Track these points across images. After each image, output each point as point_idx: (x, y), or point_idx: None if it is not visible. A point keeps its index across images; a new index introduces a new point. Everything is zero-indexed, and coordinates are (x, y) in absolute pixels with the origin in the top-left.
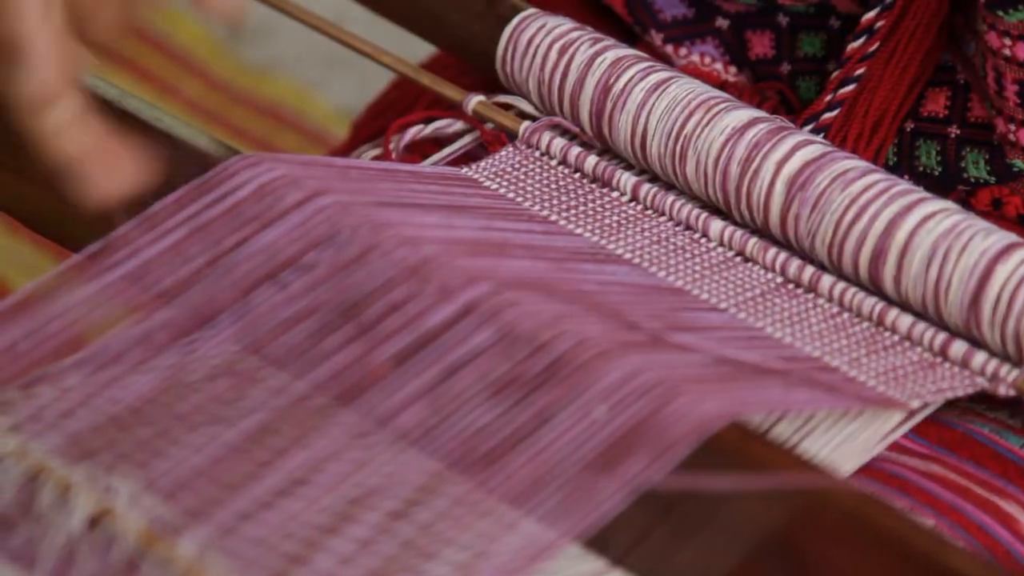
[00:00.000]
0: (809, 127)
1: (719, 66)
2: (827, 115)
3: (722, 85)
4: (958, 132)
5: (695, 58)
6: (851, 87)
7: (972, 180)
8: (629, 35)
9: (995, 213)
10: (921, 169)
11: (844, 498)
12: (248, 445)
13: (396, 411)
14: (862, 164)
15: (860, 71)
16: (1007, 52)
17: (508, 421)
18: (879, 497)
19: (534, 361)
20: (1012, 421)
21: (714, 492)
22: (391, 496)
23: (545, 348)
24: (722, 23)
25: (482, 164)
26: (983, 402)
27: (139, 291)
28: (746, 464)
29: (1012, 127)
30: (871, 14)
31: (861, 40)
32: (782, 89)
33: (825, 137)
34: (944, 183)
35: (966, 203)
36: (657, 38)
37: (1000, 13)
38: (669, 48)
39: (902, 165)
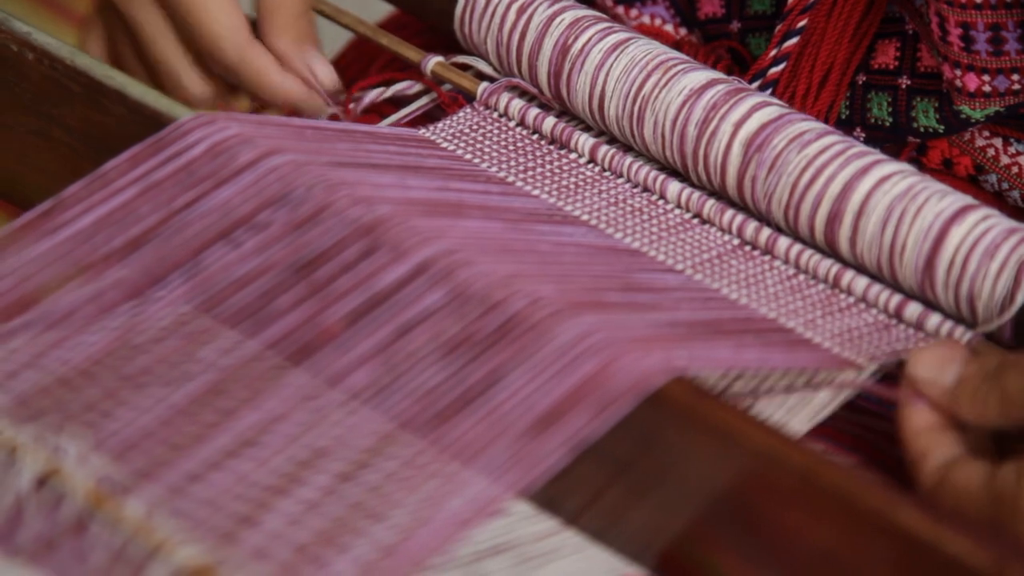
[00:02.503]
0: (757, 83)
1: (669, 27)
2: (774, 69)
3: (677, 44)
4: (908, 83)
5: (645, 19)
6: (795, 40)
7: (922, 130)
8: None
9: (946, 172)
10: (873, 121)
11: (795, 457)
12: (197, 406)
13: (348, 371)
14: (819, 126)
15: (802, 23)
16: None
17: (460, 380)
18: (829, 456)
19: (487, 321)
20: None
21: (666, 452)
22: (340, 458)
23: (497, 308)
24: None
25: (440, 125)
26: None
27: (90, 250)
28: (699, 423)
29: (958, 72)
30: None
31: None
32: (733, 47)
33: (774, 92)
34: (895, 134)
35: (918, 162)
36: (607, 0)
37: None
38: (620, 10)
39: (854, 118)
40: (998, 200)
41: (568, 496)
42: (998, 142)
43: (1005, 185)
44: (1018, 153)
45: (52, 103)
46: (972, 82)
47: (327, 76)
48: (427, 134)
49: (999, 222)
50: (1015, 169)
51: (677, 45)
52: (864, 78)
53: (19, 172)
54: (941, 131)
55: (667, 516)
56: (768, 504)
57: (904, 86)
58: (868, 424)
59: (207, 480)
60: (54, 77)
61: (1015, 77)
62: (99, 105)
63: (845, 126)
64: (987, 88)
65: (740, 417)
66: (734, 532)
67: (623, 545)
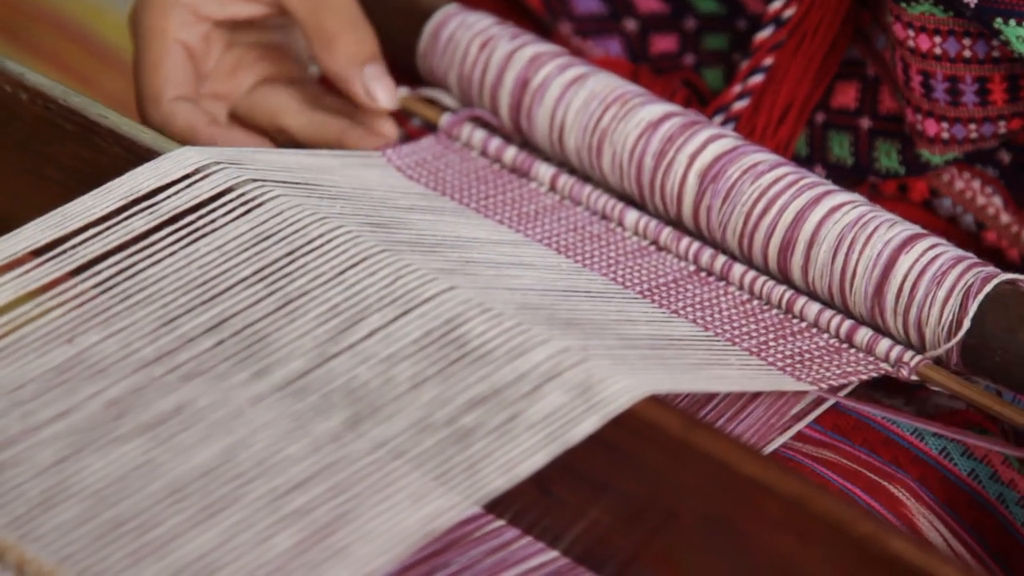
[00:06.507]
0: (719, 117)
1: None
2: (737, 105)
3: (634, 74)
4: (870, 124)
5: (598, 52)
6: (759, 77)
7: (883, 171)
8: (541, 29)
9: (901, 197)
10: (834, 160)
11: (787, 485)
12: None
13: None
14: (772, 157)
15: (768, 61)
16: (911, 43)
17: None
18: (819, 484)
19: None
20: (907, 408)
21: (657, 480)
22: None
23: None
24: (631, 25)
25: (404, 149)
26: (880, 388)
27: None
28: (691, 452)
29: (919, 117)
30: (777, 4)
31: (769, 30)
32: (688, 78)
33: (736, 127)
34: (856, 174)
35: (875, 188)
36: (567, 28)
37: (904, 5)
38: (577, 40)
39: (814, 156)
40: (951, 224)
41: (557, 523)
42: (953, 167)
43: (959, 209)
44: (972, 178)
45: (45, 142)
46: (932, 127)
47: (386, 96)
48: (391, 156)
49: (947, 250)
50: (969, 194)
51: (634, 75)
52: (823, 117)
53: (12, 210)
54: (902, 173)
55: (656, 542)
56: (759, 529)
57: (866, 127)
58: (808, 452)
59: None
60: (47, 117)
61: (972, 127)
62: (92, 144)
63: (805, 164)
64: (945, 135)
65: (733, 445)
66: (724, 556)
67: (610, 570)
